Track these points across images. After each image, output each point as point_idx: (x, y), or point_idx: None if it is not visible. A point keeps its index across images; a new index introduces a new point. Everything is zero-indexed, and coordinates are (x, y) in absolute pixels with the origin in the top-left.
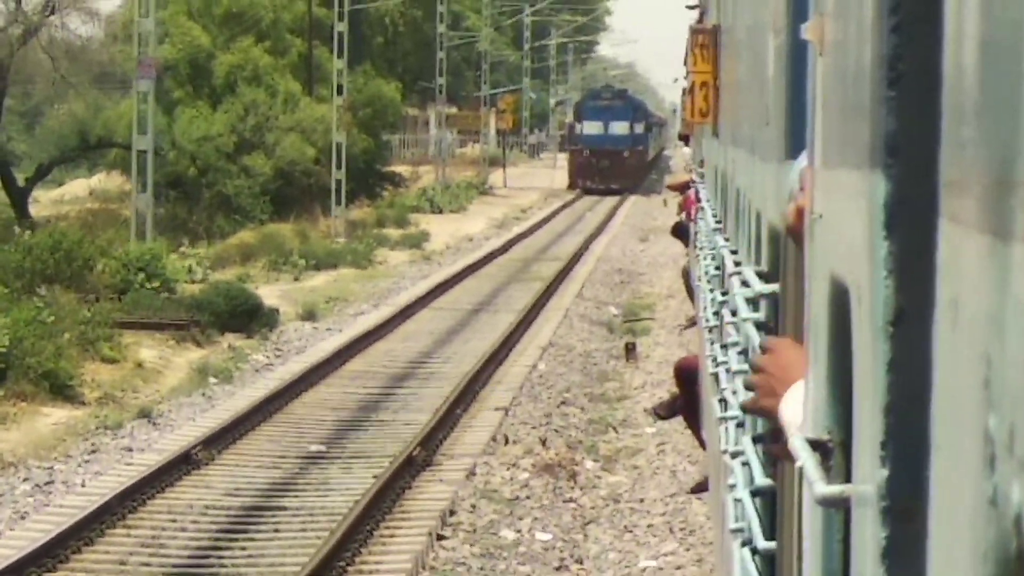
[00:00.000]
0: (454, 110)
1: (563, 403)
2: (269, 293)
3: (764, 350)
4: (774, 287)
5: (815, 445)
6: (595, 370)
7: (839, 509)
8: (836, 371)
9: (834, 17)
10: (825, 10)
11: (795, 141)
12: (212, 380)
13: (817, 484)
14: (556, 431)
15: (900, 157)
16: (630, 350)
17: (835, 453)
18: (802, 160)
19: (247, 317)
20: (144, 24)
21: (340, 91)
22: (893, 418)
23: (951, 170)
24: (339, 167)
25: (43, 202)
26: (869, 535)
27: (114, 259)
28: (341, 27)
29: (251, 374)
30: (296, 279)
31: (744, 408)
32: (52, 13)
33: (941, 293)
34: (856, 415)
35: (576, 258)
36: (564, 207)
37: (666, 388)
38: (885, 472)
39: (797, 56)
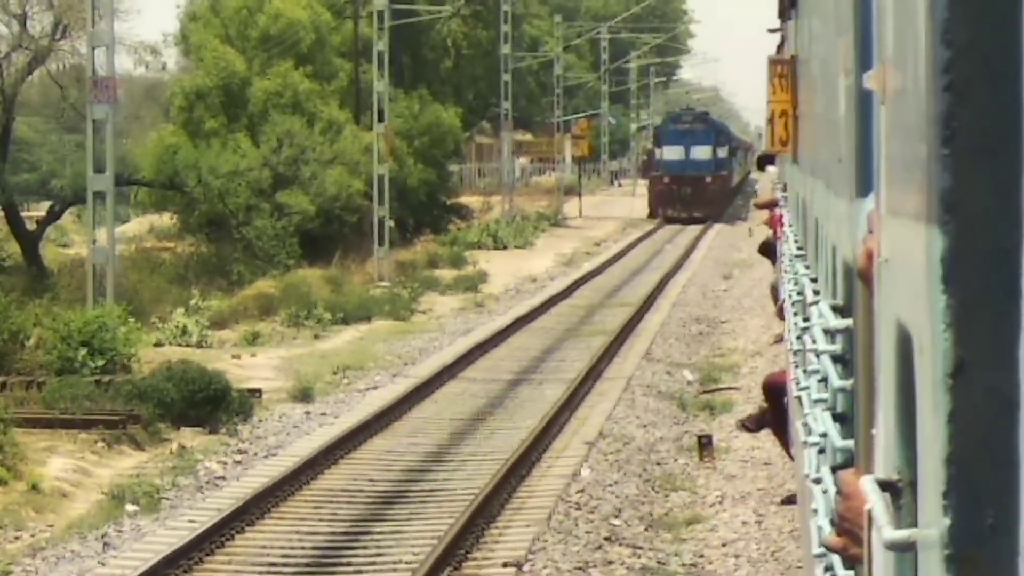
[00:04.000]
0: (528, 137)
1: (608, 539)
2: (266, 363)
3: (840, 492)
4: (848, 322)
5: (884, 486)
6: (658, 472)
7: (907, 552)
8: (903, 413)
9: (894, 67)
10: (886, 59)
11: (865, 180)
12: (129, 508)
13: (885, 528)
14: None
15: (956, 213)
16: (704, 445)
17: (905, 493)
18: (871, 201)
19: (210, 406)
20: (101, 34)
21: (381, 117)
22: (955, 468)
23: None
24: (381, 202)
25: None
26: None
27: (51, 330)
28: (381, 46)
29: (191, 494)
30: (316, 336)
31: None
32: (62, 37)
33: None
34: (920, 462)
35: (648, 303)
36: (641, 239)
37: (751, 506)
38: (947, 521)
39: (866, 98)
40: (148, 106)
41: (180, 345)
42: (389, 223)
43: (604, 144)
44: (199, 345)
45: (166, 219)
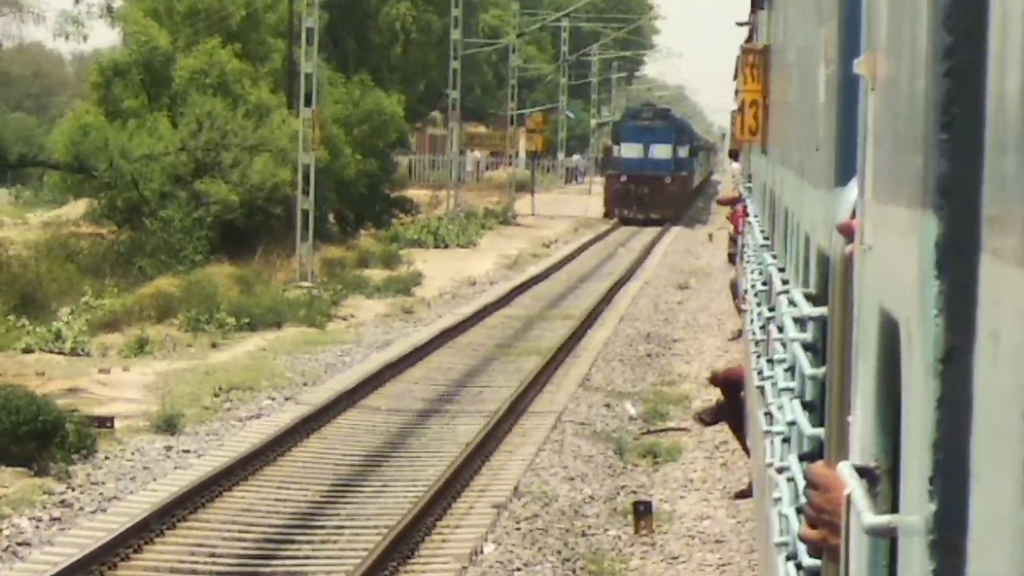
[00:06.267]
0: (481, 129)
1: None
2: (137, 379)
3: (813, 485)
4: (822, 310)
5: (862, 472)
6: (583, 548)
7: (887, 538)
8: (884, 400)
9: (887, 54)
10: (878, 46)
11: (845, 169)
12: None
13: (865, 514)
14: None
15: (951, 198)
16: (641, 513)
17: (882, 480)
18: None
19: (36, 441)
20: None
21: (309, 101)
22: (942, 454)
23: (993, 206)
24: (307, 193)
25: (33, 224)
26: (916, 567)
27: None
28: (311, 22)
29: None
30: (214, 345)
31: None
32: None
33: (983, 327)
34: (904, 447)
35: (593, 316)
36: (594, 241)
37: None
38: (933, 507)
39: (849, 85)
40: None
41: (52, 352)
42: (321, 216)
43: (561, 140)
44: (74, 352)
45: (81, 205)
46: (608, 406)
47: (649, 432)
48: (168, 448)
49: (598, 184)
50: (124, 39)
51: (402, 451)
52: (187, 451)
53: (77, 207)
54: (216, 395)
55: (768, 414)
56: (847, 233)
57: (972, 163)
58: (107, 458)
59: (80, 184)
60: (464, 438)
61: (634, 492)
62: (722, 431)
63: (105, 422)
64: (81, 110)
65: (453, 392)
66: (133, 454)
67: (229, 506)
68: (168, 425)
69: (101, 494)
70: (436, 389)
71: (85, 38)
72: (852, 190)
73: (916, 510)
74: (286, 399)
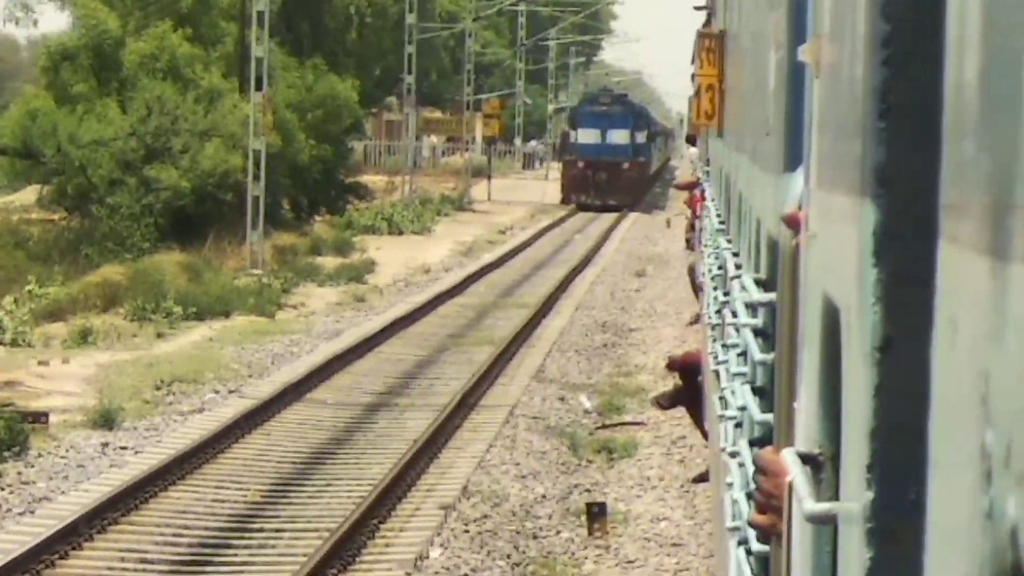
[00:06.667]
0: (438, 114)
1: None
2: (77, 372)
3: (761, 470)
4: (771, 296)
5: (806, 459)
6: (534, 551)
7: (828, 525)
8: (827, 387)
9: (830, 41)
10: (822, 33)
11: (794, 154)
12: None
13: (806, 501)
14: None
15: (890, 187)
16: (595, 515)
17: (826, 467)
18: (800, 175)
19: None
20: None
21: (260, 85)
22: (879, 442)
23: (950, 193)
24: (257, 179)
25: None
26: (854, 554)
27: None
28: (261, 5)
29: None
30: (160, 335)
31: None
32: None
33: (940, 313)
34: (844, 435)
35: (549, 304)
36: (551, 227)
37: None
38: (870, 494)
39: (797, 71)
40: None
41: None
42: (274, 202)
43: (518, 125)
44: (14, 343)
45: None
46: (562, 399)
47: (604, 427)
48: (104, 445)
49: (555, 170)
50: (73, 23)
51: (348, 448)
52: (124, 448)
53: (30, 193)
54: (158, 388)
55: (722, 399)
56: (792, 225)
57: (910, 151)
58: (40, 455)
59: (28, 170)
60: (412, 434)
61: (588, 491)
62: (679, 424)
63: (39, 417)
64: (30, 95)
65: (402, 385)
66: (68, 451)
67: (164, 507)
68: (105, 420)
69: (31, 494)
70: (385, 382)
71: (35, 23)
72: (800, 177)
73: (855, 498)
74: (230, 392)
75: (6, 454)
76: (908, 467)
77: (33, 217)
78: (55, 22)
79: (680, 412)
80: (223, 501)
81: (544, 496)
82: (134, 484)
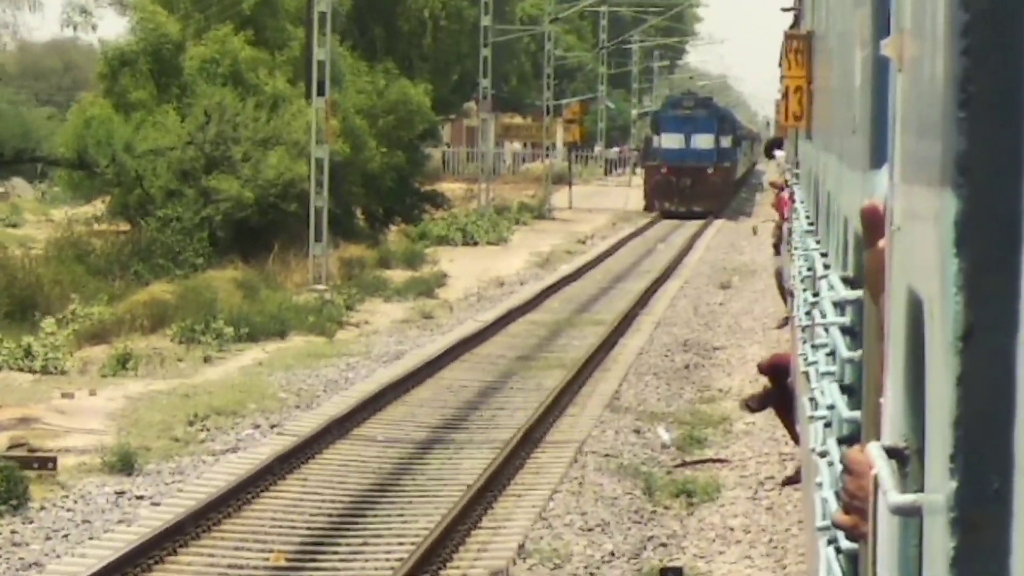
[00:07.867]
0: (518, 119)
1: None
2: (103, 406)
3: (847, 470)
4: (857, 294)
5: (891, 452)
6: None
7: (913, 517)
8: (912, 380)
9: (912, 35)
10: (904, 27)
11: (880, 151)
12: None
13: (891, 493)
14: None
15: (970, 176)
16: None
17: (912, 460)
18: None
19: None
20: None
21: (322, 90)
22: (962, 431)
23: None
24: (320, 189)
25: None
26: (939, 544)
27: None
28: (323, 6)
29: None
30: (207, 359)
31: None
32: None
33: (1022, 301)
34: (928, 426)
35: (627, 321)
36: (632, 236)
37: None
38: (954, 484)
39: (882, 68)
40: None
41: (21, 370)
42: (345, 212)
43: (601, 130)
44: (45, 370)
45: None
46: (638, 431)
47: (683, 464)
48: (119, 494)
49: (638, 176)
50: (132, 27)
51: (392, 496)
52: (140, 497)
53: (102, 204)
54: (191, 423)
55: (812, 399)
56: (869, 218)
57: (990, 140)
58: (42, 508)
59: (84, 181)
60: (468, 477)
61: (663, 544)
62: (767, 462)
63: (46, 463)
64: (87, 102)
65: (462, 417)
66: (75, 503)
67: (176, 570)
68: (124, 464)
69: (20, 559)
70: (442, 415)
71: (94, 27)
72: (885, 173)
73: (939, 488)
74: (272, 427)
75: (1, 508)
76: (991, 456)
77: (99, 229)
78: (115, 27)
79: (768, 449)
80: (240, 567)
81: (613, 554)
82: (139, 547)
